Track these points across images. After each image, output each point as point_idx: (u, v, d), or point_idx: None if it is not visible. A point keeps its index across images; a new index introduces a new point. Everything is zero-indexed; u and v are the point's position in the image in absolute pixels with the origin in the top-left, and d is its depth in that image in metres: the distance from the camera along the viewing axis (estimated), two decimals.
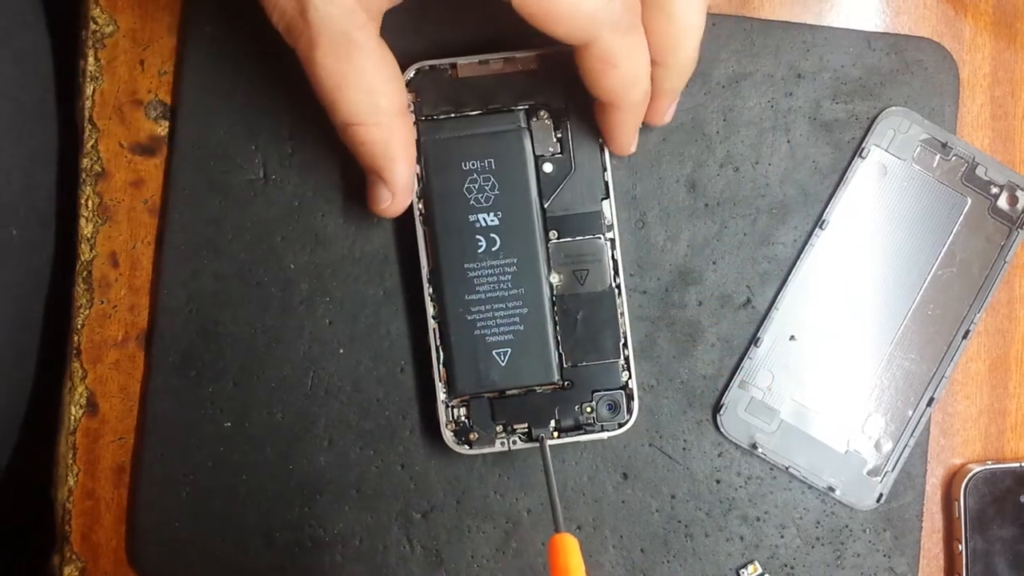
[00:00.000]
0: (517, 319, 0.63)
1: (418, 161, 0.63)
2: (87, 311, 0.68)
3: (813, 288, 0.68)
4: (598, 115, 0.62)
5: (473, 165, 0.63)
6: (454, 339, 0.64)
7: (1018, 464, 0.67)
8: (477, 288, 0.63)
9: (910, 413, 0.67)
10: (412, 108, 0.63)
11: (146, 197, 0.68)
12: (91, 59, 0.68)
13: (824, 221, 0.68)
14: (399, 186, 0.60)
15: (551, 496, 0.58)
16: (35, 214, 0.70)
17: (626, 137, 0.62)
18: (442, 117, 0.64)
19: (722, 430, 0.67)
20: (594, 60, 0.55)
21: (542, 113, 0.64)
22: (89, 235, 0.68)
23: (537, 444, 0.64)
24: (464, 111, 0.64)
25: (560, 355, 0.64)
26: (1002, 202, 0.68)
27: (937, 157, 0.68)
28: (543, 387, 0.64)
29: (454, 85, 0.64)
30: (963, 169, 0.68)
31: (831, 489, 0.67)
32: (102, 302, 0.68)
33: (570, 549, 0.53)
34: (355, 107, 0.57)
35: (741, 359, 0.68)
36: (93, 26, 0.68)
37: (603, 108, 0.60)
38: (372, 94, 0.57)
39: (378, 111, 0.57)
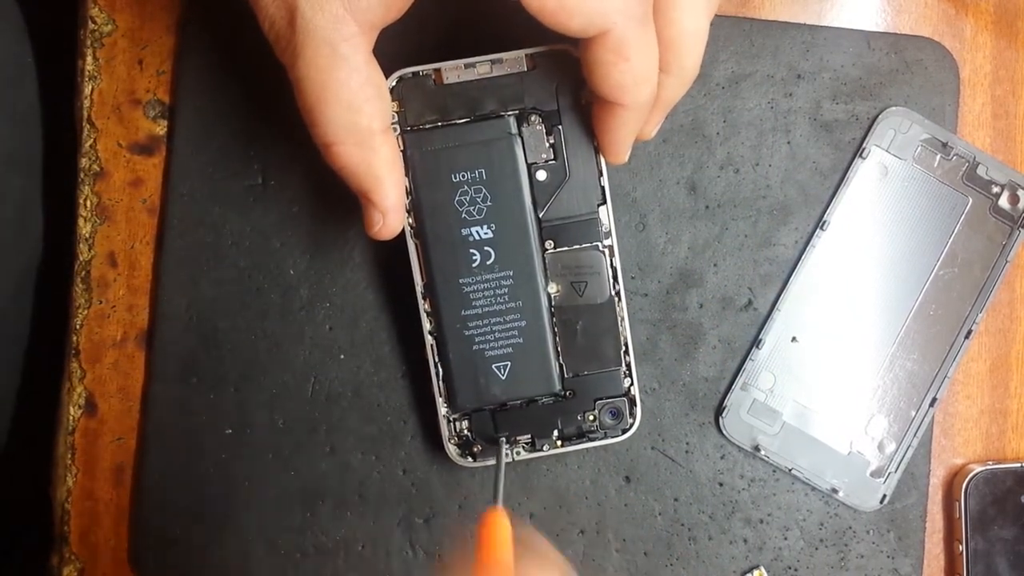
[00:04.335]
0: (516, 332, 0.63)
1: (405, 174, 0.61)
2: (85, 311, 0.68)
3: (815, 289, 0.67)
4: (596, 118, 0.60)
5: (463, 176, 0.62)
6: (452, 355, 0.63)
7: (1019, 464, 0.67)
8: (473, 303, 0.62)
9: (913, 414, 0.67)
10: (396, 119, 0.61)
11: (144, 197, 0.68)
12: (89, 58, 0.68)
13: (825, 222, 0.67)
14: (387, 207, 0.58)
15: (497, 476, 0.58)
16: (14, 215, 0.70)
17: (624, 143, 0.60)
18: (428, 127, 0.62)
19: (724, 432, 0.67)
20: (607, 51, 0.53)
21: (533, 118, 0.62)
22: (88, 235, 0.68)
23: (541, 453, 0.64)
24: (451, 120, 0.62)
25: (561, 366, 0.63)
26: (1003, 201, 0.68)
27: (938, 157, 0.68)
28: (545, 398, 0.64)
29: (439, 92, 0.61)
30: (964, 169, 0.68)
31: (834, 491, 0.67)
32: (100, 302, 0.68)
33: (500, 524, 0.52)
34: (333, 124, 0.55)
35: (743, 361, 0.68)
36: (91, 25, 0.68)
37: (605, 109, 0.58)
38: (352, 111, 0.54)
39: (357, 130, 0.55)
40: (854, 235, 0.68)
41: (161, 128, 0.68)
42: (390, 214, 0.58)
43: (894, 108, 0.68)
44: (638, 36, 0.52)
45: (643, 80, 0.54)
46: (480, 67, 0.61)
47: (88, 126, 0.68)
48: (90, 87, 0.68)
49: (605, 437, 0.64)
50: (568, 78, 0.61)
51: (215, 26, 0.67)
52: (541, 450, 0.63)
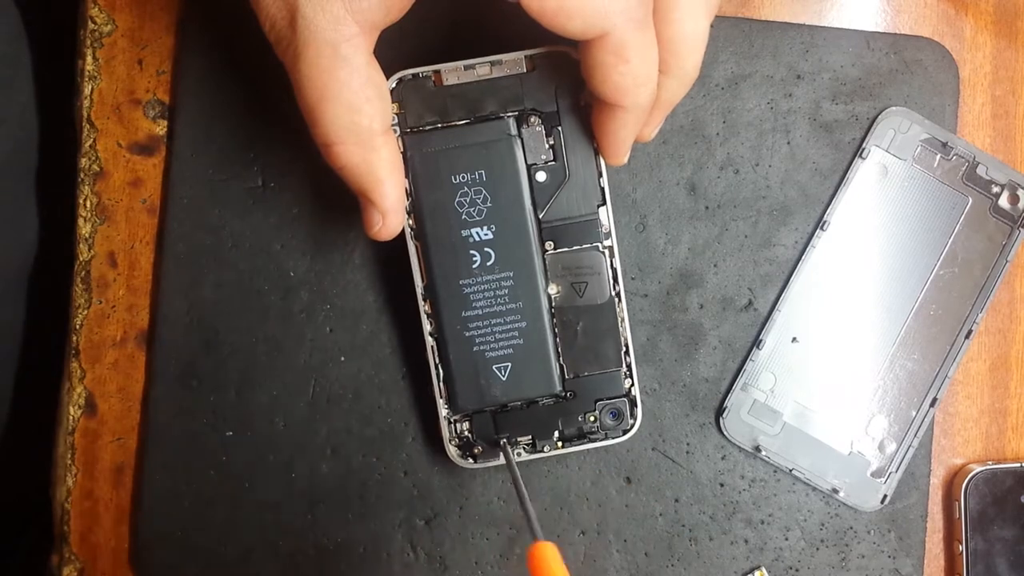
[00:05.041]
0: (516, 333, 0.63)
1: (406, 176, 0.61)
2: (85, 311, 0.68)
3: (815, 290, 0.67)
4: (596, 120, 0.60)
5: (463, 178, 0.62)
6: (453, 356, 0.63)
7: (1019, 464, 0.67)
8: (474, 304, 0.62)
9: (913, 414, 0.67)
10: (396, 121, 0.61)
11: (144, 197, 0.68)
12: (89, 58, 0.68)
13: (825, 222, 0.67)
14: (387, 208, 0.58)
15: (523, 505, 0.57)
16: (7, 215, 0.70)
17: (623, 144, 0.59)
18: (428, 129, 0.62)
19: (725, 433, 0.67)
20: (606, 53, 0.53)
21: (532, 119, 0.62)
22: (87, 235, 0.68)
23: (542, 454, 0.64)
24: (450, 121, 0.62)
25: (561, 367, 0.63)
26: (1003, 201, 0.68)
27: (938, 157, 0.68)
28: (545, 399, 0.64)
29: (438, 94, 0.61)
30: (964, 168, 0.68)
31: (835, 491, 0.67)
32: (100, 302, 0.68)
33: (551, 557, 0.52)
34: (334, 125, 0.54)
35: (743, 362, 0.68)
36: (91, 25, 0.68)
37: (604, 110, 0.58)
38: (353, 111, 0.54)
39: (358, 130, 0.55)
40: (854, 235, 0.68)
41: (161, 128, 0.68)
42: (390, 215, 0.58)
43: (894, 108, 0.68)
44: (638, 38, 0.52)
45: (643, 82, 0.54)
46: (480, 69, 0.61)
47: (88, 126, 0.68)
48: (90, 87, 0.68)
49: (606, 438, 0.64)
50: (567, 79, 0.61)
51: (215, 26, 0.67)
52: (542, 451, 0.63)
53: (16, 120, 0.71)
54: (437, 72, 0.61)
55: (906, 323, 0.67)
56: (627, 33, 0.52)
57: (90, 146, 0.68)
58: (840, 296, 0.68)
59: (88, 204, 0.68)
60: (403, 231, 0.61)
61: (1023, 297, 0.69)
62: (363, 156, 0.56)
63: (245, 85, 0.67)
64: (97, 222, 0.68)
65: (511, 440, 0.63)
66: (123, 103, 0.68)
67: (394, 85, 0.61)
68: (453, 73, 0.61)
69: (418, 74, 0.61)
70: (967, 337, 0.68)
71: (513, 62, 0.61)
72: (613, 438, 0.64)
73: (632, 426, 0.64)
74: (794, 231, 0.68)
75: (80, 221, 0.68)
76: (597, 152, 0.62)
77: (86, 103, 0.68)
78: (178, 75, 0.68)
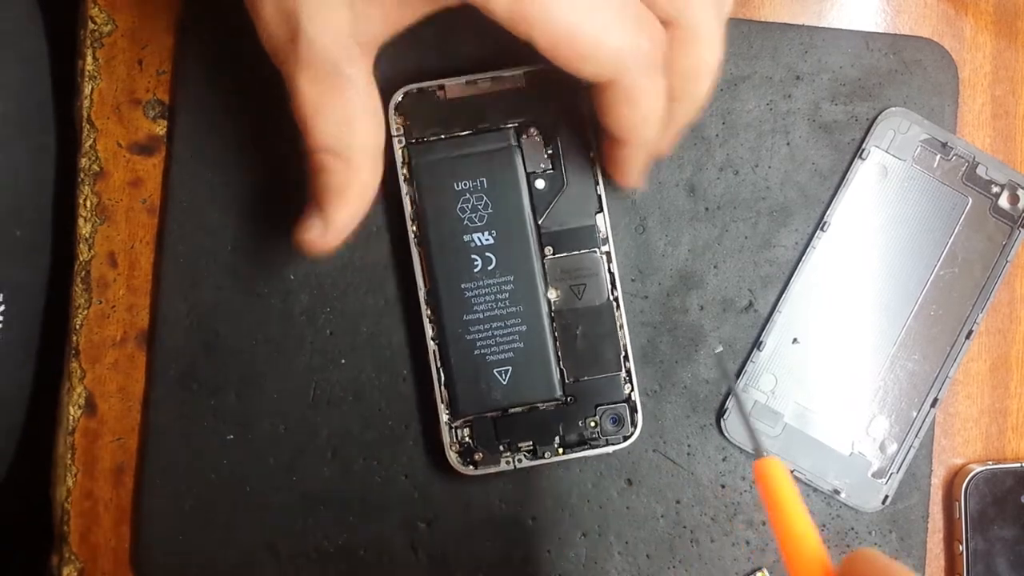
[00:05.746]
0: (516, 337, 0.63)
1: (409, 183, 0.64)
2: (85, 311, 0.68)
3: (815, 290, 0.67)
4: (607, 151, 0.62)
5: (465, 185, 0.63)
6: (454, 360, 0.63)
7: (1019, 464, 0.68)
8: (475, 308, 0.63)
9: (914, 414, 0.67)
10: (401, 131, 0.64)
11: (144, 197, 0.68)
12: (89, 58, 0.68)
13: (825, 223, 0.67)
14: (337, 226, 0.58)
15: (746, 421, 0.56)
16: (38, 215, 0.70)
17: (634, 172, 0.61)
18: (432, 139, 0.64)
19: (726, 434, 0.67)
20: (614, 98, 0.54)
21: (532, 130, 0.64)
22: (87, 235, 0.68)
23: (544, 460, 0.64)
24: (454, 132, 0.64)
25: (562, 371, 0.64)
26: (1003, 201, 0.68)
27: (937, 157, 0.68)
28: (546, 404, 0.64)
29: (443, 107, 0.64)
30: (964, 169, 0.68)
31: (836, 492, 0.67)
32: (100, 302, 0.68)
33: (778, 474, 0.51)
34: (328, 136, 0.55)
35: (744, 363, 0.68)
36: (91, 25, 0.68)
37: (613, 143, 0.59)
38: (349, 128, 0.55)
39: (350, 146, 0.56)
40: (854, 236, 0.68)
41: (161, 128, 0.68)
42: (332, 233, 0.58)
43: (893, 109, 0.68)
44: (647, 84, 0.54)
45: (651, 121, 0.56)
46: (482, 83, 0.64)
47: (88, 126, 0.68)
48: (90, 87, 0.68)
49: (606, 444, 0.64)
50: (564, 93, 0.63)
51: (215, 26, 0.67)
52: (543, 457, 0.64)
53: (40, 117, 0.71)
54: (441, 86, 0.64)
55: (906, 323, 0.67)
56: (638, 79, 0.53)
57: (90, 146, 0.68)
58: (840, 297, 0.68)
59: (88, 204, 0.68)
60: (407, 236, 0.64)
61: (1023, 297, 0.70)
62: (344, 172, 0.56)
63: (245, 85, 0.67)
64: (97, 222, 0.68)
65: (512, 446, 0.64)
66: (123, 103, 0.68)
67: (400, 98, 0.63)
68: (456, 87, 0.64)
69: (423, 88, 0.64)
70: (967, 337, 0.68)
71: (513, 77, 0.64)
72: (614, 444, 0.64)
73: (632, 433, 0.64)
74: (794, 232, 0.68)
75: (80, 221, 0.68)
76: (594, 161, 0.64)
77: (86, 103, 0.68)
78: (178, 75, 0.68)
